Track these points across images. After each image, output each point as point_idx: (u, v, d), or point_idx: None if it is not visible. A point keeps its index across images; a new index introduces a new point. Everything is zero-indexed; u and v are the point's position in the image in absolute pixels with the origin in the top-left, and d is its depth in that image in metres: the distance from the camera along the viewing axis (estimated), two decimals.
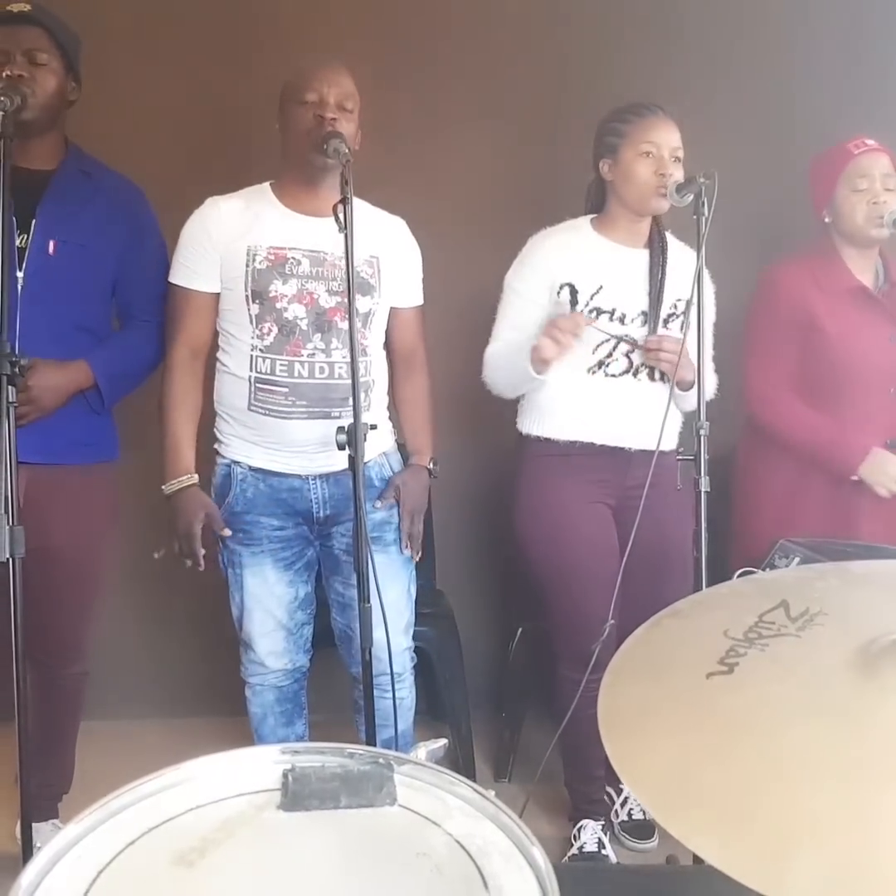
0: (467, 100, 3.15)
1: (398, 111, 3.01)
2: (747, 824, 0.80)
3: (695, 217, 2.25)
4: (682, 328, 2.49)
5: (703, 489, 2.23)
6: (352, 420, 2.08)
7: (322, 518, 2.38)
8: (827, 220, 2.67)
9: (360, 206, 2.35)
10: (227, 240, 2.29)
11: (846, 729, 0.87)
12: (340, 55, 2.35)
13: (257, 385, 2.30)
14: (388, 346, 2.49)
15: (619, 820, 2.80)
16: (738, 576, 1.47)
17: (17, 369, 1.96)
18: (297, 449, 2.31)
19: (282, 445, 2.32)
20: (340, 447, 2.09)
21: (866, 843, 0.76)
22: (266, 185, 2.37)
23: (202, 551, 2.30)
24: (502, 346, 2.53)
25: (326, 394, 2.29)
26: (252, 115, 2.73)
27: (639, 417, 2.46)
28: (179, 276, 2.35)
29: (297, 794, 1.07)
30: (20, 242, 2.27)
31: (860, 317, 2.63)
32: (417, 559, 2.50)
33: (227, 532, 2.34)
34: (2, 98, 2.02)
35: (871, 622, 1.01)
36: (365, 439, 2.09)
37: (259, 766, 1.12)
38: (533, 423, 2.57)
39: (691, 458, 2.27)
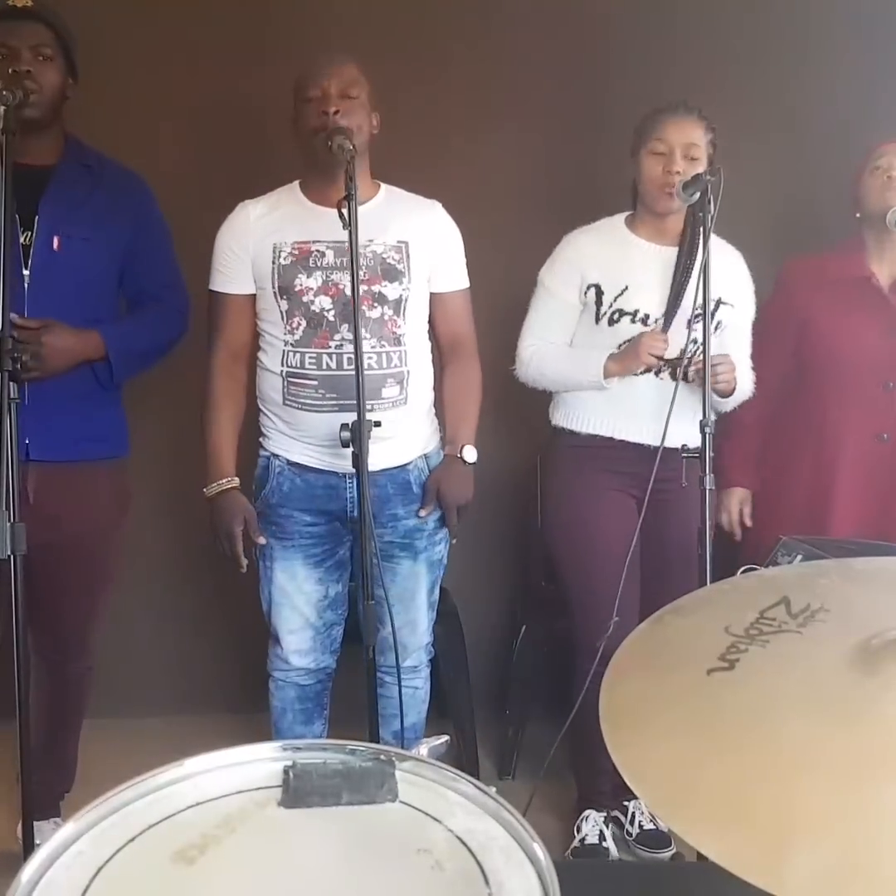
0: (506, 95, 3.14)
1: (434, 107, 3.03)
2: (748, 820, 0.80)
3: (700, 215, 2.26)
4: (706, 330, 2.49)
5: (708, 487, 2.23)
6: (358, 417, 2.06)
7: (355, 517, 2.34)
8: (857, 215, 2.67)
9: (387, 191, 2.41)
10: (256, 240, 2.33)
11: (847, 725, 0.86)
12: (359, 51, 2.35)
13: (289, 379, 2.32)
14: (433, 334, 2.48)
15: (632, 836, 2.74)
16: (741, 573, 1.47)
17: (18, 366, 1.96)
18: (333, 444, 2.28)
19: (318, 440, 2.32)
20: (344, 445, 2.08)
21: (867, 838, 0.76)
22: (295, 184, 2.40)
23: (243, 554, 2.33)
24: (549, 348, 2.59)
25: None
26: (264, 112, 2.74)
27: (660, 416, 2.47)
28: (216, 282, 2.39)
29: (298, 790, 1.06)
30: (24, 240, 2.27)
31: (860, 309, 2.63)
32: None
33: (262, 540, 2.35)
34: (4, 93, 2.03)
35: (872, 619, 1.01)
36: (369, 436, 2.08)
37: (260, 762, 1.12)
38: (560, 416, 2.63)
39: (696, 456, 2.27)
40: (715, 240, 2.53)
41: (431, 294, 2.43)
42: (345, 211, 2.02)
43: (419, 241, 2.38)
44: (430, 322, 2.46)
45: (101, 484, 2.48)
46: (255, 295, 2.37)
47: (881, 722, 0.86)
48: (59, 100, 2.32)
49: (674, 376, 2.48)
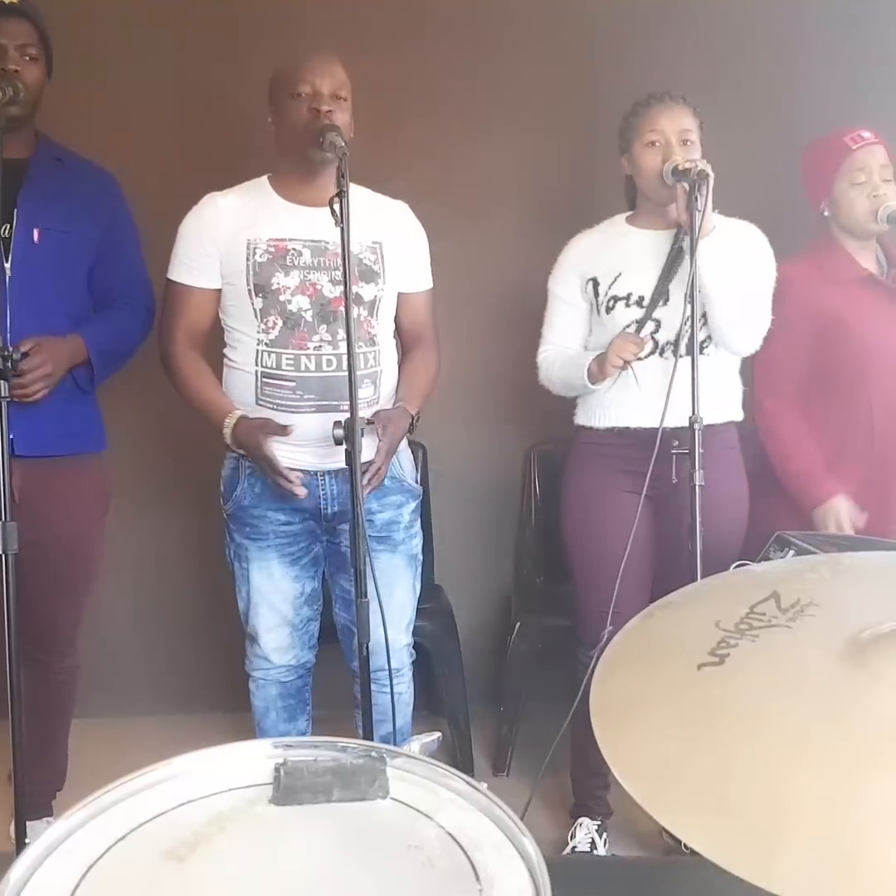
0: (498, 95, 3.13)
1: (425, 107, 3.01)
2: (737, 814, 0.80)
3: (692, 211, 2.25)
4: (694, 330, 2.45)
5: (697, 483, 2.22)
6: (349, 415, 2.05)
7: (330, 515, 2.36)
8: (826, 213, 2.66)
9: (360, 192, 2.35)
10: (227, 235, 2.28)
11: (835, 719, 0.87)
12: (339, 48, 2.32)
13: (264, 379, 2.28)
14: (397, 331, 2.46)
15: None
16: (733, 568, 1.47)
17: (9, 364, 1.96)
18: (307, 444, 2.27)
19: (290, 440, 2.25)
20: (338, 442, 2.06)
21: (855, 831, 0.76)
22: (264, 178, 2.36)
23: (288, 469, 2.21)
24: (556, 352, 2.61)
25: (335, 386, 2.23)
26: (246, 107, 2.72)
27: (672, 395, 2.45)
28: (178, 272, 2.33)
29: (290, 788, 1.06)
30: (3, 232, 2.26)
31: (873, 304, 2.61)
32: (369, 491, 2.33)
33: (289, 430, 2.21)
34: None
35: (861, 613, 1.01)
36: (363, 434, 2.07)
37: (251, 760, 1.12)
38: (579, 414, 2.64)
39: (687, 451, 2.26)
40: (717, 217, 2.50)
41: (399, 294, 2.42)
42: (337, 208, 2.00)
43: (391, 241, 2.37)
44: (395, 320, 2.44)
45: (84, 478, 2.48)
46: (219, 290, 2.32)
47: (870, 715, 0.86)
48: (40, 97, 2.32)
49: (676, 353, 2.46)
